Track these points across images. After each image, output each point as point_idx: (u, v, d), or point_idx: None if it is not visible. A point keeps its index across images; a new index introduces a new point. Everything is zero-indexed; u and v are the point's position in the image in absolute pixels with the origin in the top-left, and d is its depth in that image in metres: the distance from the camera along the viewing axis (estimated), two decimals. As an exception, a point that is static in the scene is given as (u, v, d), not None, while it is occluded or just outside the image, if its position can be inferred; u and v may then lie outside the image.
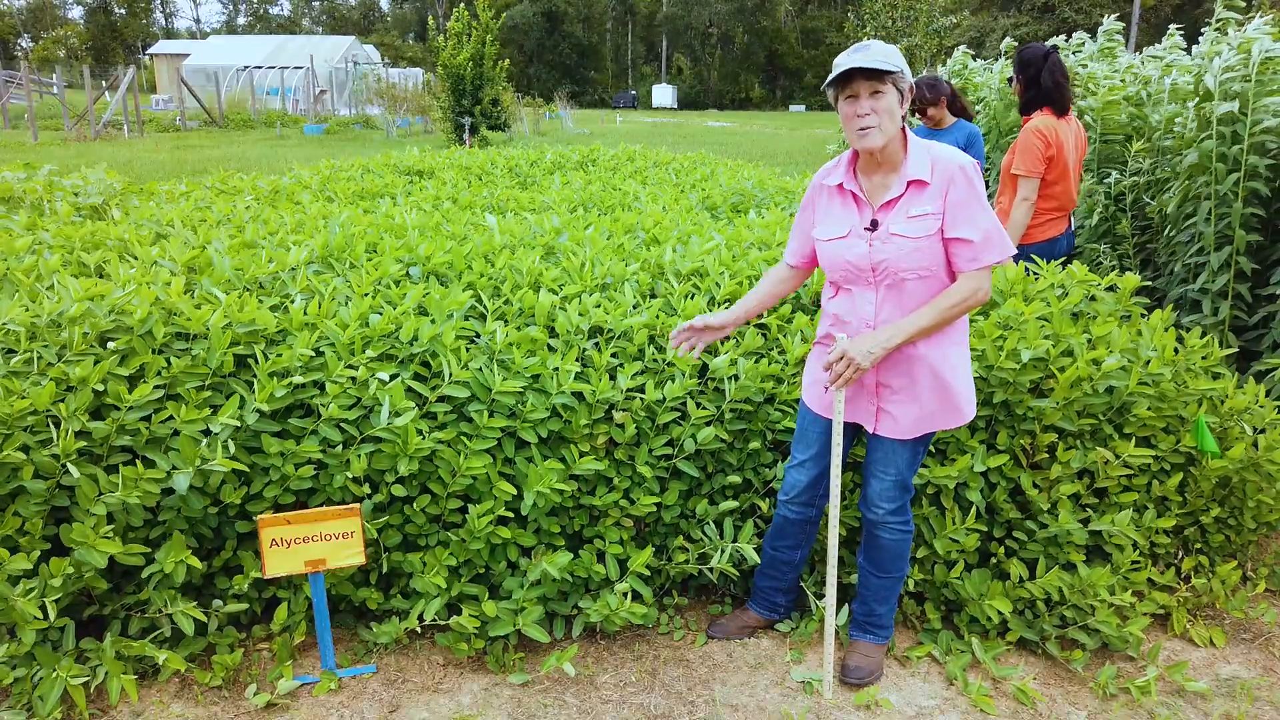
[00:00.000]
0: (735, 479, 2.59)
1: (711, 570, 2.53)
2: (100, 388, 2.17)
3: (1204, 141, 3.67)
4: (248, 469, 2.25)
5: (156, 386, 2.22)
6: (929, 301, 2.07)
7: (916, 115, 4.87)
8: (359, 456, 2.29)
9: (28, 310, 2.29)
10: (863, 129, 2.01)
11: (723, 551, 2.49)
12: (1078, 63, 5.39)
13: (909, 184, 2.06)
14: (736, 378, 2.55)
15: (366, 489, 2.36)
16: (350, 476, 2.31)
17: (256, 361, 2.31)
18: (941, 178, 2.04)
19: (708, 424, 2.56)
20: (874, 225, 2.09)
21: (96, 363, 2.20)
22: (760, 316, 2.84)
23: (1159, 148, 4.24)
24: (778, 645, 2.54)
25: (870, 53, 1.98)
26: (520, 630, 2.34)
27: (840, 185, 2.16)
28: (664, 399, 2.49)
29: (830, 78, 2.02)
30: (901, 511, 2.29)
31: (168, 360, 2.28)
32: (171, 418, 2.20)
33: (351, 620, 2.55)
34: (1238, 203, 3.58)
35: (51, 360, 2.21)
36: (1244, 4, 4.09)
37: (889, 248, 2.06)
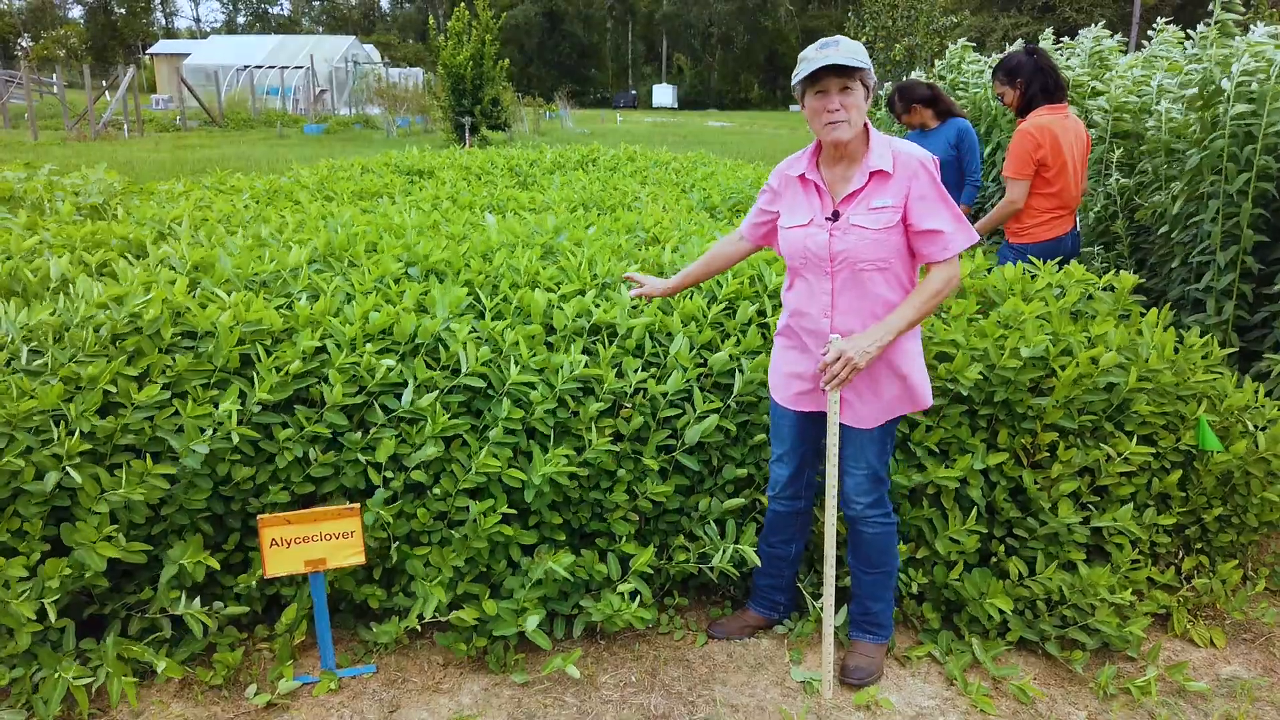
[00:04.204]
0: (740, 472, 2.60)
1: (712, 570, 2.53)
2: (110, 388, 2.18)
3: (1214, 141, 3.66)
4: (253, 454, 2.26)
5: (164, 386, 2.23)
6: (905, 298, 2.12)
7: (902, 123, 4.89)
8: (389, 439, 2.30)
9: (53, 315, 2.32)
10: (832, 123, 2.06)
11: (724, 551, 2.49)
12: (1065, 64, 5.40)
13: (871, 175, 2.10)
14: (740, 371, 2.56)
15: (380, 478, 2.36)
16: (368, 462, 2.32)
17: (259, 359, 2.31)
18: (904, 172, 2.08)
19: (706, 417, 2.56)
20: (835, 216, 2.13)
21: (109, 362, 2.21)
22: (735, 309, 2.84)
23: (1159, 147, 4.23)
24: (778, 645, 2.54)
25: (840, 49, 2.02)
26: (522, 632, 2.34)
27: (802, 176, 2.21)
28: (666, 393, 2.50)
29: (802, 74, 2.04)
30: (879, 504, 2.31)
31: (173, 358, 2.29)
32: (177, 413, 2.21)
33: (352, 620, 2.55)
34: (1247, 202, 3.58)
35: (63, 361, 2.22)
36: (1243, 7, 4.09)
37: (849, 238, 2.10)
